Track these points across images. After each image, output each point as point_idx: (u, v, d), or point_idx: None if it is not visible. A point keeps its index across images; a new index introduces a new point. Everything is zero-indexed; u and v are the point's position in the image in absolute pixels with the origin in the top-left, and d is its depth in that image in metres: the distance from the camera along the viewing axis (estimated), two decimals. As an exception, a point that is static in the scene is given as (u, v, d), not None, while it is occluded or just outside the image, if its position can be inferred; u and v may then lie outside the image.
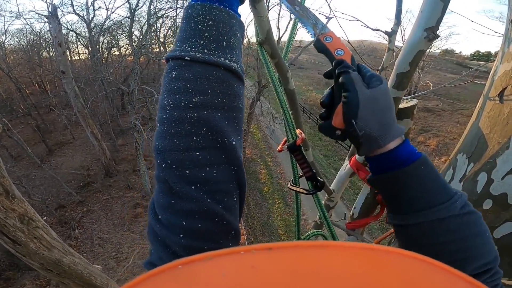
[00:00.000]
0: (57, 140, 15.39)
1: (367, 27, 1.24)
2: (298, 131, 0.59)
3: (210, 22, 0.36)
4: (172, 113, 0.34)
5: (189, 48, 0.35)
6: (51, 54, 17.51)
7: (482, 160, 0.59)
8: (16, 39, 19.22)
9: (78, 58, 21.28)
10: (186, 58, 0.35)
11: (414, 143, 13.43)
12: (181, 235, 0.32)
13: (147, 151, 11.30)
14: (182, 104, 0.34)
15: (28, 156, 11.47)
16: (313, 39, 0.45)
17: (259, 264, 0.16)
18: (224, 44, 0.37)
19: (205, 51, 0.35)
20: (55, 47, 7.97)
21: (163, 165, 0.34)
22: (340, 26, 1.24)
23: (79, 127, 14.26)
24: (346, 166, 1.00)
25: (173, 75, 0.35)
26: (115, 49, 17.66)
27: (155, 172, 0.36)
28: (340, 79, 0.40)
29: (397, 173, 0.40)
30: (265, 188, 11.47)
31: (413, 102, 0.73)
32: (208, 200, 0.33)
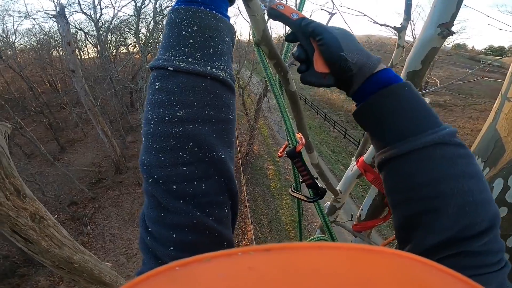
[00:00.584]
0: (68, 138, 15.76)
1: (375, 22, 1.19)
2: (298, 135, 0.57)
3: (195, 28, 0.34)
4: (156, 128, 0.33)
5: (172, 57, 0.33)
6: (61, 53, 17.85)
7: (498, 166, 0.55)
8: (26, 39, 19.70)
9: (88, 56, 21.62)
10: (169, 68, 0.33)
11: None
12: (171, 248, 0.32)
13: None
14: (166, 118, 0.33)
15: (41, 154, 11.79)
16: (265, 10, 0.46)
17: (257, 265, 0.16)
18: (211, 51, 0.35)
19: (190, 59, 0.33)
20: (64, 46, 8.10)
21: (150, 180, 0.33)
22: (345, 22, 1.19)
23: (90, 124, 14.56)
24: (353, 167, 0.97)
25: (157, 86, 0.34)
26: (123, 47, 17.84)
27: (143, 185, 0.35)
28: (309, 28, 0.41)
29: (381, 92, 0.38)
30: (273, 184, 11.47)
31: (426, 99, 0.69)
32: (198, 214, 0.33)
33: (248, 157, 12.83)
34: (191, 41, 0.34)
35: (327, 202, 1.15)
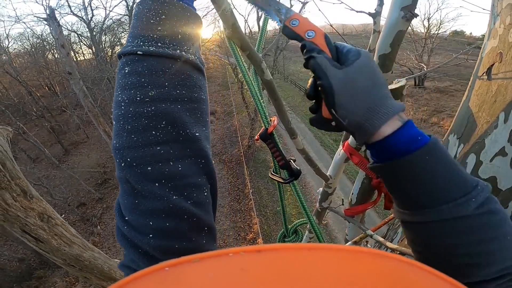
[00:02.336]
0: (72, 140, 15.89)
1: (351, 9, 1.20)
2: (273, 118, 0.59)
3: (163, 17, 0.34)
4: (127, 109, 0.32)
5: (141, 43, 0.34)
6: (56, 56, 17.80)
7: (471, 141, 0.58)
8: (19, 43, 19.62)
9: (83, 58, 21.54)
10: (139, 52, 0.33)
11: (428, 124, 13.06)
12: (150, 235, 0.31)
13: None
14: (138, 98, 0.32)
15: (46, 157, 11.92)
16: (280, 25, 0.42)
17: (248, 266, 0.17)
18: (179, 37, 0.35)
19: (159, 44, 0.34)
20: (58, 49, 8.08)
21: (123, 164, 0.32)
22: (319, 9, 1.19)
23: (92, 126, 14.63)
24: (340, 151, 1.00)
25: (126, 71, 0.33)
26: (118, 47, 17.73)
27: (116, 172, 0.34)
28: (309, 66, 0.37)
29: (395, 164, 0.34)
30: (276, 175, 11.51)
31: (402, 82, 0.71)
32: (174, 197, 0.32)
33: (250, 150, 12.85)
34: (159, 28, 0.34)
35: (319, 188, 1.18)
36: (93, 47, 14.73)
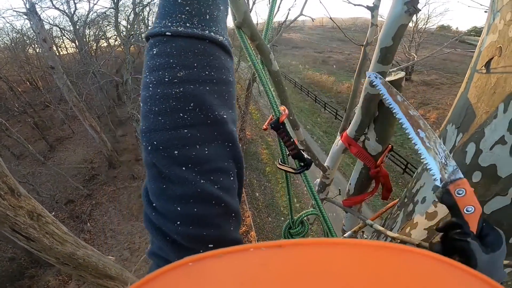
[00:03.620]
0: (57, 136, 15.43)
1: (349, 2, 1.20)
2: (282, 108, 0.59)
3: None
4: (155, 90, 0.32)
5: (169, 24, 0.33)
6: (37, 51, 17.11)
7: (470, 130, 0.60)
8: (-1, 38, 18.71)
9: (66, 52, 20.77)
10: (167, 33, 0.32)
11: None
12: (178, 222, 0.30)
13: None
14: (166, 80, 0.32)
15: (31, 154, 11.54)
16: (437, 184, 0.37)
17: (269, 261, 0.17)
18: (208, 17, 0.34)
19: (188, 25, 0.33)
20: (40, 44, 7.76)
21: (149, 148, 0.32)
22: (320, 2, 1.19)
23: (77, 121, 14.23)
24: (338, 141, 1.01)
25: (155, 52, 0.33)
26: (103, 41, 17.17)
27: (142, 156, 0.34)
28: (459, 246, 0.35)
29: None
30: (268, 168, 11.60)
31: (401, 74, 0.73)
32: (202, 181, 0.31)
33: (241, 143, 12.85)
34: (187, 8, 0.33)
35: (317, 179, 1.19)
36: (76, 41, 14.20)
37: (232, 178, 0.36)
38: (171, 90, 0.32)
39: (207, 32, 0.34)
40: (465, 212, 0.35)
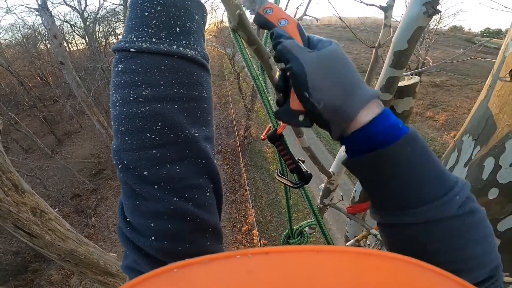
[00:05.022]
0: (65, 130, 15.64)
1: (361, 2, 1.14)
2: None
3: (159, 8, 0.31)
4: (121, 109, 0.31)
5: (135, 39, 0.31)
6: (48, 46, 17.40)
7: (489, 144, 0.55)
8: (11, 34, 19.10)
9: (76, 48, 21.07)
10: (132, 50, 0.31)
11: (422, 118, 13.25)
12: (153, 237, 0.30)
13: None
14: (131, 98, 0.31)
15: (39, 148, 11.74)
16: (252, 14, 0.40)
17: (255, 268, 0.16)
18: (178, 30, 0.33)
19: (153, 40, 0.31)
20: (50, 39, 7.87)
21: (120, 166, 0.31)
22: (329, 1, 1.14)
23: (85, 116, 14.41)
24: (344, 148, 0.97)
25: (120, 68, 0.32)
26: (113, 37, 17.31)
27: (116, 173, 0.33)
28: (276, 52, 0.34)
29: (373, 157, 0.31)
30: (272, 167, 11.56)
31: (415, 79, 0.68)
32: (175, 199, 0.31)
33: (246, 141, 12.84)
34: (154, 21, 0.31)
35: (321, 184, 1.15)
36: (86, 37, 14.36)
37: (208, 194, 0.34)
38: (136, 109, 0.30)
39: (175, 47, 0.32)
40: (280, 25, 0.37)
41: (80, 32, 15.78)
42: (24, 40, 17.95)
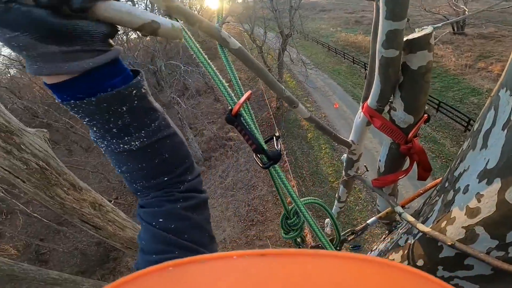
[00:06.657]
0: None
1: None
2: (247, 93, 0.50)
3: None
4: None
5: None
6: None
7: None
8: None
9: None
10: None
11: (474, 69, 12.22)
12: None
13: (190, 119, 11.94)
14: None
15: (97, 147, 13.11)
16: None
17: (251, 270, 0.17)
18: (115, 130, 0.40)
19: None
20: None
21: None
22: None
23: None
24: (360, 113, 0.87)
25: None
26: (132, 33, 17.77)
27: None
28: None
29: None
30: (309, 134, 11.34)
31: (427, 30, 0.57)
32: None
33: (279, 112, 12.71)
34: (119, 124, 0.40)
35: (344, 154, 1.08)
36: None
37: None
38: None
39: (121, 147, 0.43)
40: None
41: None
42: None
